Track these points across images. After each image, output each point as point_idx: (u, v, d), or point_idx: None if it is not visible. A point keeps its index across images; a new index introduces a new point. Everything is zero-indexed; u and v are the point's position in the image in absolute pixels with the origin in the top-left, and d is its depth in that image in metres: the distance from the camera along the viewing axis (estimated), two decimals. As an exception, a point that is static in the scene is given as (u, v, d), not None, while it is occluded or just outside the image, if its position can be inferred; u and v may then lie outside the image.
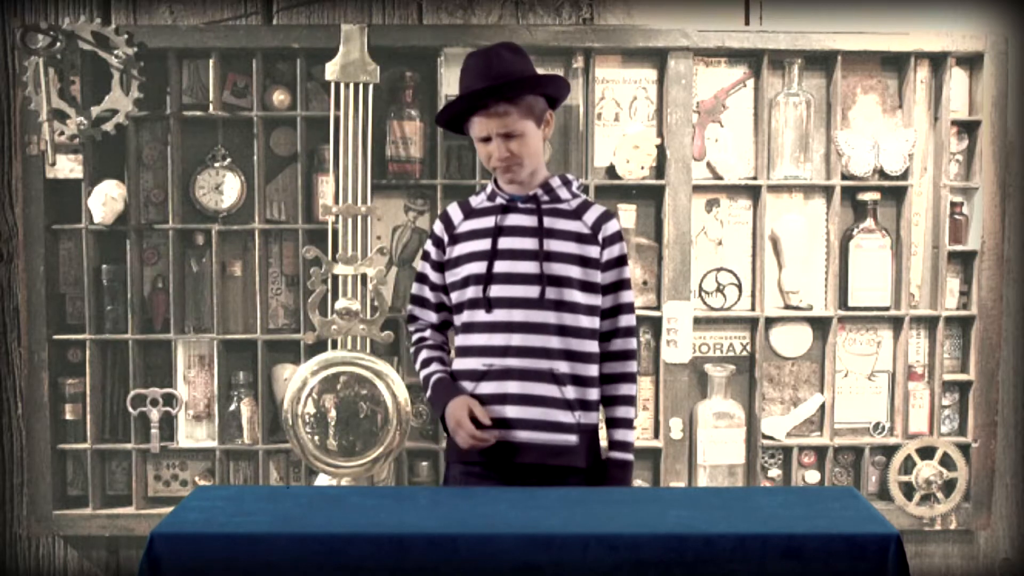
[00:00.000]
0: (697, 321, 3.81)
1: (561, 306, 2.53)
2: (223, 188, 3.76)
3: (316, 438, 3.62)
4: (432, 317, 2.69)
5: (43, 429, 3.71)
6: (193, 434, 3.82)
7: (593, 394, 2.58)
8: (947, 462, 3.86)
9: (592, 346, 2.57)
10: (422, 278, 2.69)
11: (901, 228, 3.85)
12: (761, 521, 2.09)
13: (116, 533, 3.76)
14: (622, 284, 2.60)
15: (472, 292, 2.56)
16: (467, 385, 2.57)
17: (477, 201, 2.63)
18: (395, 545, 1.99)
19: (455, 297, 2.61)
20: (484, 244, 2.55)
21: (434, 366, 2.63)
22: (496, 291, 2.53)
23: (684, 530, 2.02)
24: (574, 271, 2.53)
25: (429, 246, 2.66)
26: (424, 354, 2.66)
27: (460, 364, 2.61)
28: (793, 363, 3.90)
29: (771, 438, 3.86)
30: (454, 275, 2.60)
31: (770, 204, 3.83)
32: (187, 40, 3.67)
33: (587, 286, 2.55)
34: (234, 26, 3.71)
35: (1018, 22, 3.83)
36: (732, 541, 1.99)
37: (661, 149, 3.79)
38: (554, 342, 2.53)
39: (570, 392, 2.54)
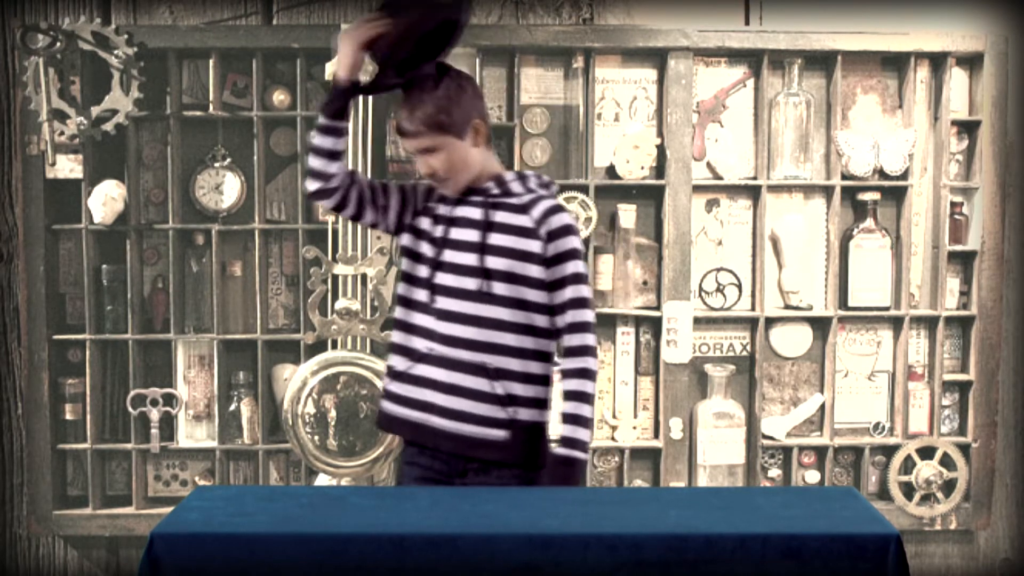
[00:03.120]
0: (697, 321, 3.81)
1: (496, 300, 2.54)
2: (223, 188, 3.76)
3: (316, 438, 3.62)
4: (363, 181, 2.64)
5: (43, 429, 3.71)
6: (193, 434, 3.82)
7: (531, 390, 2.56)
8: (947, 462, 3.86)
9: (527, 342, 2.55)
10: (382, 185, 2.66)
11: (901, 228, 3.85)
12: (761, 521, 2.09)
13: (116, 533, 3.76)
14: (572, 279, 2.55)
15: (421, 273, 2.59)
16: (403, 362, 2.59)
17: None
18: (395, 545, 1.99)
19: (404, 266, 2.63)
20: (439, 231, 2.59)
21: None
22: (440, 279, 2.56)
23: (684, 530, 2.02)
24: (510, 265, 2.54)
25: (407, 186, 2.66)
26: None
27: (400, 339, 2.62)
28: (793, 363, 3.90)
29: (771, 438, 3.86)
30: (411, 245, 2.62)
31: (770, 204, 3.83)
32: (187, 40, 3.67)
33: (523, 280, 2.54)
34: (234, 26, 3.72)
35: (1018, 22, 3.83)
36: (732, 541, 1.99)
37: (661, 149, 3.79)
38: (488, 336, 2.53)
39: (502, 387, 2.54)
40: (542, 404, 2.59)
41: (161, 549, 1.98)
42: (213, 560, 1.99)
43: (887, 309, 3.85)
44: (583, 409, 2.55)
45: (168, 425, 3.80)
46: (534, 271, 2.54)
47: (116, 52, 3.57)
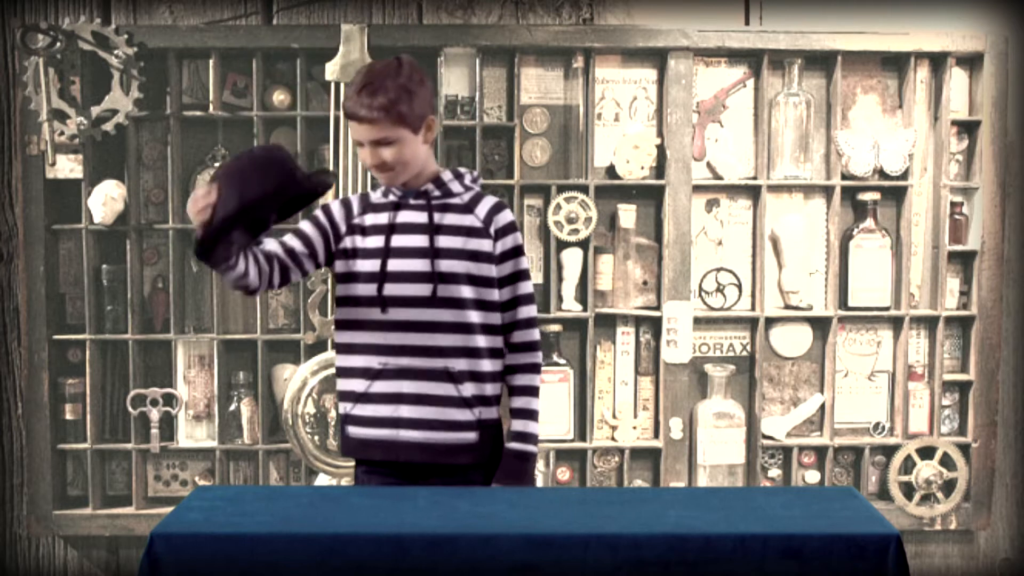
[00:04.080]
0: (697, 321, 3.81)
1: (452, 303, 2.51)
2: (223, 188, 3.75)
3: (316, 438, 3.62)
4: (278, 250, 2.56)
5: (43, 429, 3.71)
6: (193, 434, 3.82)
7: (491, 388, 2.56)
8: (947, 462, 3.86)
9: (485, 341, 2.54)
10: (298, 232, 2.58)
11: (901, 228, 3.85)
12: (761, 521, 2.10)
13: (116, 533, 3.76)
14: (519, 275, 2.57)
15: (364, 289, 2.52)
16: (360, 383, 2.53)
17: (375, 196, 2.59)
18: (395, 545, 2.00)
19: (340, 290, 2.57)
20: (378, 241, 2.53)
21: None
22: (389, 290, 2.50)
23: (684, 530, 2.02)
24: (464, 266, 2.51)
25: (320, 216, 2.57)
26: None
27: (350, 361, 2.55)
28: (793, 363, 3.90)
29: (771, 438, 3.86)
30: (345, 267, 2.55)
31: (770, 204, 3.83)
32: (187, 40, 3.67)
33: (478, 280, 2.52)
34: (234, 26, 3.72)
35: (1018, 22, 3.83)
36: (732, 541, 1.99)
37: (661, 149, 3.79)
38: (448, 340, 2.51)
39: (467, 389, 2.52)
40: (499, 400, 2.61)
41: (161, 549, 1.99)
42: (213, 560, 1.99)
43: (887, 309, 3.85)
44: (533, 403, 2.58)
45: (168, 425, 3.80)
46: (487, 270, 2.53)
47: (116, 52, 3.57)
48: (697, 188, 3.79)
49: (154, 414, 3.76)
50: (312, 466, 3.64)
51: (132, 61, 3.57)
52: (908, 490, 3.88)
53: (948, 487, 3.85)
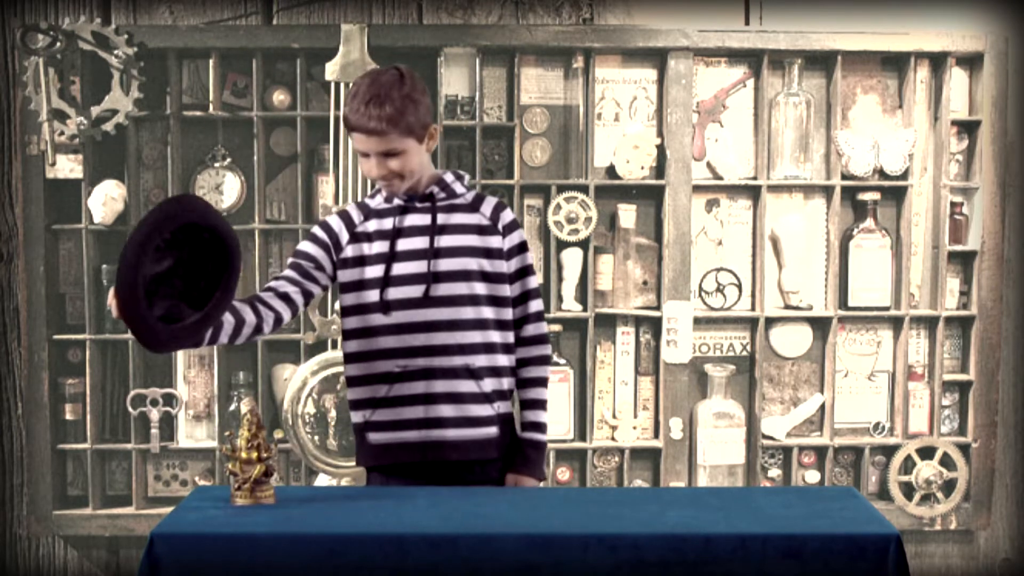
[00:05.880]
0: (697, 321, 3.81)
1: (466, 300, 2.54)
2: (223, 188, 3.76)
3: (316, 438, 3.62)
4: (275, 286, 2.54)
5: (43, 429, 3.71)
6: (193, 434, 3.82)
7: (506, 383, 2.60)
8: (947, 462, 3.86)
9: (500, 336, 2.57)
10: (299, 253, 2.58)
11: (901, 228, 3.85)
12: (761, 521, 2.10)
13: (116, 533, 3.76)
14: (527, 271, 2.62)
15: (375, 296, 2.53)
16: (380, 388, 2.54)
17: (375, 203, 2.60)
18: (395, 545, 2.00)
19: (351, 299, 2.56)
20: (384, 247, 2.54)
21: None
22: (401, 292, 2.52)
23: (684, 530, 2.03)
24: (476, 263, 2.55)
25: (318, 232, 2.57)
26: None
27: (365, 368, 2.55)
28: (793, 363, 3.90)
29: (771, 438, 3.86)
30: (351, 275, 2.56)
31: (770, 204, 3.83)
32: (187, 40, 3.67)
33: (491, 276, 2.56)
34: (234, 26, 3.72)
35: (1018, 22, 3.83)
36: (732, 541, 1.99)
37: (661, 149, 3.79)
38: (465, 337, 2.53)
39: (487, 384, 2.56)
40: (512, 394, 2.66)
41: (161, 549, 1.99)
42: (213, 560, 1.99)
43: (887, 309, 3.85)
44: (544, 393, 2.66)
45: (168, 425, 3.80)
46: (499, 266, 2.57)
47: (116, 52, 3.57)
48: (697, 188, 3.79)
49: (154, 414, 3.76)
50: (312, 466, 3.64)
51: (132, 61, 3.58)
52: (908, 490, 3.88)
53: (948, 487, 3.85)
